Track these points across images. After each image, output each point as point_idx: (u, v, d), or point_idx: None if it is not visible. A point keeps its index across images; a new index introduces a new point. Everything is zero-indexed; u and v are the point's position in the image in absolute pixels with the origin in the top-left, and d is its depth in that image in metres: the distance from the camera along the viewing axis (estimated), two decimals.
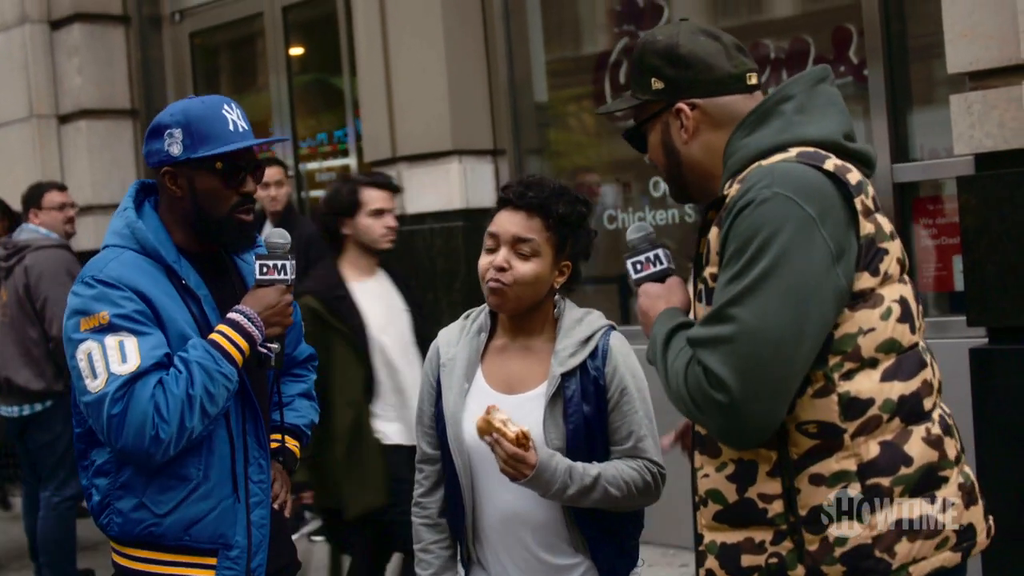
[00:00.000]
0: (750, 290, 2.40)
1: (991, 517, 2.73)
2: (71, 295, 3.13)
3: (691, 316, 2.76)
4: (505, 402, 3.22)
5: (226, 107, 3.25)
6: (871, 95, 6.26)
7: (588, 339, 3.25)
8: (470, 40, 7.87)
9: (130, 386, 3.00)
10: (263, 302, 3.25)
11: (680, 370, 2.51)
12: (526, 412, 3.19)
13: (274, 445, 3.53)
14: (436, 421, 3.37)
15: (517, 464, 3.03)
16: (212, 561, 3.20)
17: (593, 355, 3.23)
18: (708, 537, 2.66)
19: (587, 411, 3.19)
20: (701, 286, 2.64)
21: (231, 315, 3.21)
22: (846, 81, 6.53)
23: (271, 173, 7.44)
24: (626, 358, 3.27)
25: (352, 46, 8.94)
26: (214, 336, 3.17)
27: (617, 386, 3.23)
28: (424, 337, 5.09)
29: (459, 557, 3.42)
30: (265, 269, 3.28)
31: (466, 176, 7.72)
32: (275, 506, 3.45)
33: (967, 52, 5.22)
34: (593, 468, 3.16)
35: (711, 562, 2.65)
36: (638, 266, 2.86)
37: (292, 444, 3.63)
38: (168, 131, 3.20)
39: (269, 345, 3.27)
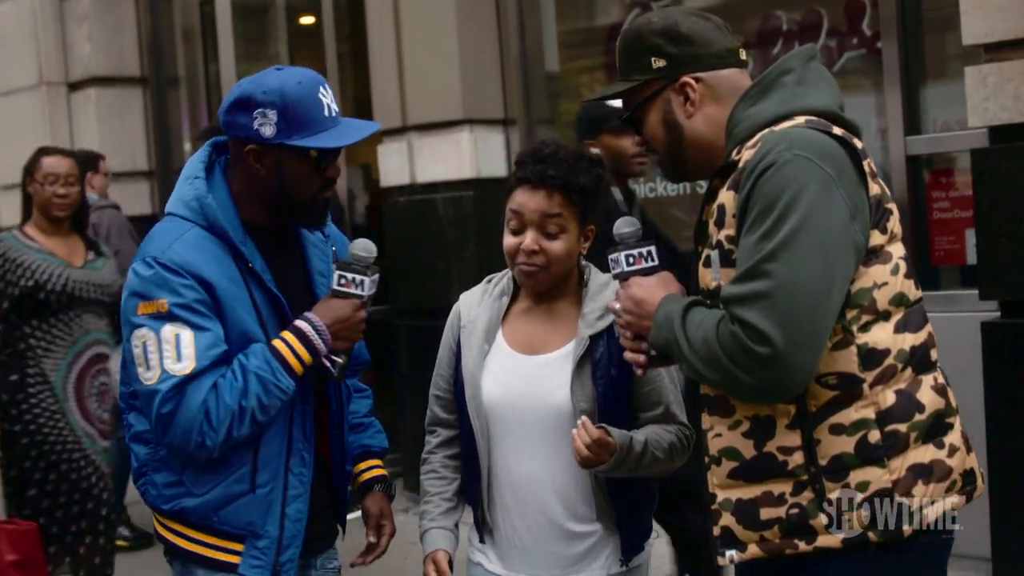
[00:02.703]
0: (783, 246, 2.47)
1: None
2: (131, 273, 3.03)
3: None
4: (528, 363, 3.24)
5: (322, 89, 3.08)
6: (885, 68, 6.25)
7: None
8: (482, 10, 7.84)
9: (183, 388, 2.94)
10: (334, 314, 3.11)
11: (710, 333, 2.55)
12: (552, 372, 3.21)
13: (375, 472, 3.51)
14: (454, 384, 3.37)
15: (600, 450, 3.03)
16: (239, 547, 3.13)
17: None
18: (722, 495, 2.72)
19: (614, 375, 3.20)
20: (711, 251, 2.69)
21: (298, 323, 3.09)
22: (859, 53, 6.51)
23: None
24: None
25: (336, 14, 8.96)
26: (277, 344, 3.06)
27: None
28: None
29: (474, 521, 3.41)
30: (344, 281, 3.13)
31: (477, 146, 7.70)
32: (382, 541, 3.43)
33: (982, 24, 5.20)
34: (640, 435, 3.17)
35: (727, 519, 2.70)
36: (631, 259, 2.90)
37: (381, 471, 3.55)
38: (261, 109, 3.01)
39: (334, 358, 3.13)
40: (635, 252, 2.89)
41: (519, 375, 3.25)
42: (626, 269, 2.89)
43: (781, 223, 2.48)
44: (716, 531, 2.73)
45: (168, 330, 2.96)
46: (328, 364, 3.12)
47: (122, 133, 10.32)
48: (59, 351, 5.60)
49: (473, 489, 3.36)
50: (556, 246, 3.18)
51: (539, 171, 3.16)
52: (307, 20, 10.16)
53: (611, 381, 3.20)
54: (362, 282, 3.14)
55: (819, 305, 2.48)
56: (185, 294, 2.97)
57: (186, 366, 2.95)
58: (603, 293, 3.27)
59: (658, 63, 2.82)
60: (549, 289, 3.29)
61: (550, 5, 7.96)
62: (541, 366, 3.24)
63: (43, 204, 5.66)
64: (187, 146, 10.45)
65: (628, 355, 2.86)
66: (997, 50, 5.19)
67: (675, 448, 3.22)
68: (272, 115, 3.01)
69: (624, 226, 2.93)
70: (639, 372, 2.90)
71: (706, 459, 2.77)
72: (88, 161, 7.94)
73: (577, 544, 3.26)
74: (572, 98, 8.03)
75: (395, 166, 8.06)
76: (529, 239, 3.18)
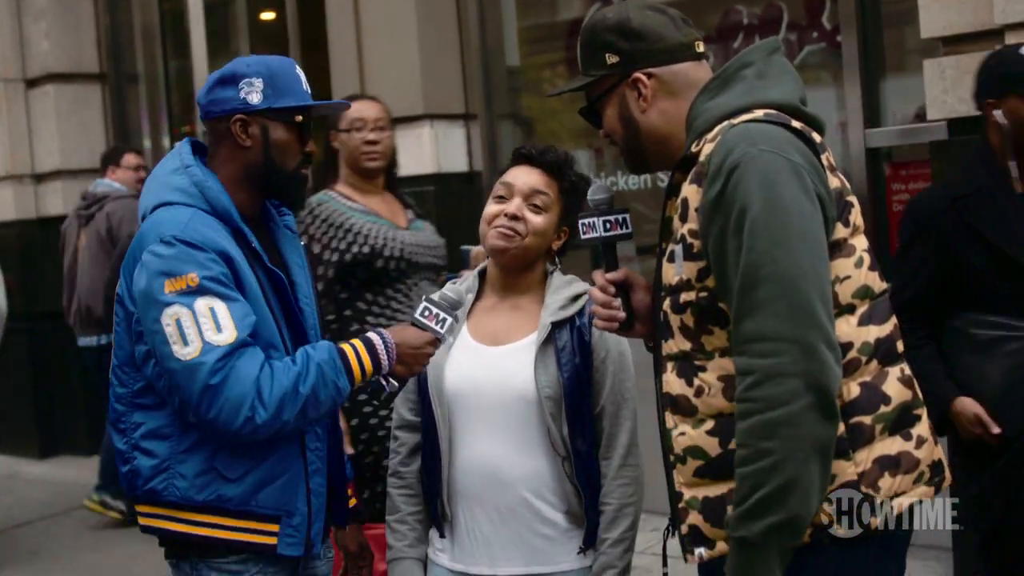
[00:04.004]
0: (775, 244, 2.46)
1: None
2: (150, 255, 3.02)
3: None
4: (492, 353, 3.29)
5: (298, 68, 3.26)
6: (844, 61, 6.27)
7: (576, 297, 3.31)
8: (442, 4, 7.83)
9: (230, 359, 2.96)
10: (406, 338, 3.18)
11: (745, 433, 2.48)
12: (514, 361, 3.26)
13: (352, 502, 3.57)
14: (419, 384, 3.39)
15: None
16: (274, 528, 3.15)
17: (581, 313, 3.29)
18: (688, 493, 2.69)
19: (578, 363, 3.24)
20: (675, 246, 2.68)
21: (370, 335, 3.17)
22: (819, 47, 6.54)
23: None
24: None
25: (301, 11, 8.96)
26: (345, 347, 3.12)
27: (603, 346, 3.28)
28: None
29: (432, 516, 3.43)
30: (427, 313, 3.21)
31: (438, 140, 7.69)
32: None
33: (940, 17, 5.23)
34: None
35: (694, 517, 2.68)
36: (608, 224, 2.92)
37: (353, 500, 3.63)
38: (246, 79, 3.17)
39: (390, 379, 3.20)
40: (611, 218, 2.92)
41: (482, 364, 3.30)
42: (603, 234, 2.92)
43: (766, 220, 2.47)
44: (684, 529, 2.71)
45: (202, 303, 2.97)
46: (384, 383, 3.18)
47: (80, 130, 10.23)
48: None
49: (432, 480, 3.36)
50: (537, 219, 3.30)
51: (540, 151, 3.35)
52: (268, 16, 10.12)
53: (575, 369, 3.24)
54: (444, 320, 3.20)
55: (824, 291, 2.48)
56: (212, 267, 3.00)
57: (228, 336, 2.96)
58: (565, 288, 3.34)
59: (612, 59, 2.83)
60: (512, 275, 3.37)
61: (510, 0, 7.95)
62: (504, 355, 3.29)
63: (352, 154, 4.81)
64: (147, 143, 10.37)
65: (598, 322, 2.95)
66: (955, 43, 5.22)
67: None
68: (258, 83, 3.16)
69: (599, 192, 2.97)
70: (612, 327, 2.93)
71: (671, 457, 2.74)
72: (111, 155, 8.58)
73: (541, 531, 3.28)
74: (533, 93, 8.04)
75: None
76: (514, 205, 3.29)
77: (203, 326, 2.95)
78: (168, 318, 2.97)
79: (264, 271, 3.17)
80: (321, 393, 3.03)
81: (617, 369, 3.29)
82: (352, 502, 3.59)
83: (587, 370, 3.26)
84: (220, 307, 2.98)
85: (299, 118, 3.21)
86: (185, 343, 2.95)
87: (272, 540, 3.14)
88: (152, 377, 3.09)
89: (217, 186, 3.16)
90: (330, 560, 3.49)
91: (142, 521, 3.22)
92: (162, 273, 2.99)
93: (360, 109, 4.80)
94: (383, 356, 3.13)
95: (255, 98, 3.16)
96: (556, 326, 3.26)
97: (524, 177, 3.33)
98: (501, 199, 3.32)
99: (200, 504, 3.10)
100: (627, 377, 3.32)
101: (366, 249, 4.57)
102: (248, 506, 3.12)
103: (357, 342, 3.14)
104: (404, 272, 4.66)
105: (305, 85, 3.24)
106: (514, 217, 3.27)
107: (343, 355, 3.10)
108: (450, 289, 3.29)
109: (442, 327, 3.19)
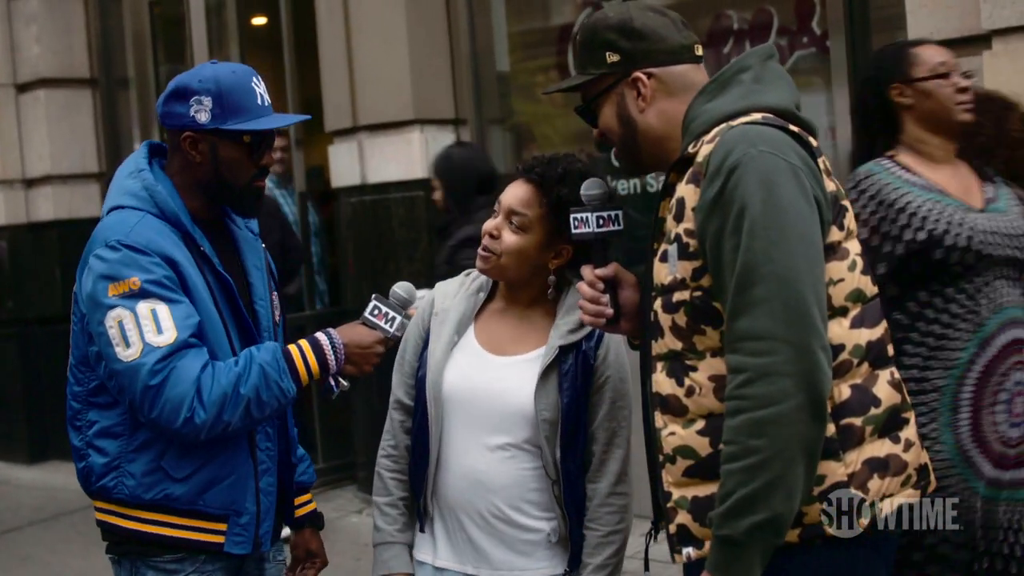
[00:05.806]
0: (773, 244, 2.47)
1: None
2: (94, 259, 3.08)
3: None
4: (495, 362, 3.27)
5: (255, 79, 3.23)
6: (833, 66, 6.31)
7: None
8: (432, 10, 7.84)
9: (170, 360, 3.00)
10: (354, 338, 3.20)
11: (734, 430, 2.48)
12: (516, 374, 3.23)
13: (307, 508, 3.61)
14: (416, 370, 3.37)
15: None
16: (222, 527, 3.19)
17: (589, 337, 3.24)
18: (677, 493, 2.69)
19: (579, 386, 3.22)
20: (669, 246, 2.68)
21: (318, 335, 3.19)
22: (809, 52, 6.55)
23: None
24: (618, 346, 3.28)
25: (293, 17, 8.99)
26: (291, 348, 3.15)
27: (604, 371, 3.25)
28: None
29: (416, 510, 3.41)
30: (377, 312, 3.23)
31: (428, 146, 7.68)
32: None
33: (928, 22, 5.25)
34: None
35: (683, 517, 2.67)
36: (600, 220, 2.93)
37: (312, 506, 3.66)
38: (196, 97, 3.15)
39: (340, 379, 3.21)
40: (604, 214, 2.92)
41: (483, 372, 3.27)
42: (595, 230, 2.92)
43: (763, 221, 2.48)
44: (672, 529, 2.71)
45: (144, 306, 3.01)
46: (333, 383, 3.20)
47: (71, 135, 10.24)
48: (957, 339, 3.61)
49: (419, 476, 3.35)
50: (511, 239, 3.22)
51: (529, 166, 3.27)
52: (260, 20, 10.13)
53: (576, 393, 3.21)
54: (394, 319, 3.22)
55: (819, 293, 2.49)
56: (155, 271, 3.04)
57: (168, 337, 3.01)
58: (578, 310, 3.23)
59: (612, 58, 2.84)
60: (513, 288, 3.33)
61: (501, 5, 7.97)
62: (507, 366, 3.26)
63: (939, 109, 3.74)
64: (137, 148, 10.37)
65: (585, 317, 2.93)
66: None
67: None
68: (207, 102, 3.14)
69: (593, 187, 2.96)
70: (598, 323, 2.93)
71: (660, 457, 2.74)
72: None
73: (523, 538, 3.26)
74: (523, 98, 8.05)
75: (346, 166, 8.05)
76: (494, 222, 3.25)
77: (144, 328, 3.00)
78: (111, 320, 3.03)
79: (213, 274, 3.20)
80: (263, 394, 3.06)
81: (616, 396, 3.26)
82: (312, 506, 3.63)
83: (586, 392, 3.24)
84: (162, 309, 3.03)
85: (247, 138, 3.19)
86: (127, 345, 3.01)
87: (220, 539, 3.19)
88: (104, 377, 3.14)
89: (168, 191, 3.19)
90: (281, 563, 3.52)
91: (97, 516, 3.27)
92: (105, 277, 3.05)
93: (939, 52, 3.83)
94: (330, 356, 3.16)
95: (203, 117, 3.15)
96: (563, 349, 3.22)
97: (511, 192, 3.26)
98: (495, 215, 3.28)
99: (147, 502, 3.15)
100: (624, 405, 3.28)
101: (922, 235, 3.59)
102: (195, 505, 3.17)
103: (304, 343, 3.16)
104: (971, 267, 3.61)
105: (261, 99, 3.22)
106: (490, 235, 3.24)
107: (288, 356, 3.13)
108: (401, 287, 3.26)
109: (391, 326, 3.21)
